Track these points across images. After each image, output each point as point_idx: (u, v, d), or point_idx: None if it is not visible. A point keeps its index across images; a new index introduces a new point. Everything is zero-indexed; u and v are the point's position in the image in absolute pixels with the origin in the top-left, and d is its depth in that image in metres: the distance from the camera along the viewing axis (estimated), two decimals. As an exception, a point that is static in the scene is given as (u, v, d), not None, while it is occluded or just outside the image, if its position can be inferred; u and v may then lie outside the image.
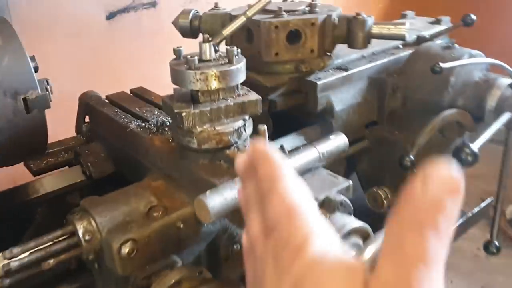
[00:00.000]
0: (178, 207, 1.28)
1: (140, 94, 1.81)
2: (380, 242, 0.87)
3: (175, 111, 1.24)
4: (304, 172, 1.18)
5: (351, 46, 1.68)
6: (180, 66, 1.24)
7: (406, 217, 0.49)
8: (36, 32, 2.29)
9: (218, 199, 1.03)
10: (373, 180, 1.94)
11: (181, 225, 1.25)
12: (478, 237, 2.15)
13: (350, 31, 1.65)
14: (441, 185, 0.47)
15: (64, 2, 2.36)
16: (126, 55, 2.67)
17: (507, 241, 3.45)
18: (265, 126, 1.15)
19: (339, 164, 1.83)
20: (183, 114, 1.23)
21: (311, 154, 1.19)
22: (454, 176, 0.47)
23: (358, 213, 1.22)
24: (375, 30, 1.64)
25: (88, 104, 1.79)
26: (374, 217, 1.90)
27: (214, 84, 1.21)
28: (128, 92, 1.88)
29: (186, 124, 1.24)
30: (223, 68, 1.21)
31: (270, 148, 0.60)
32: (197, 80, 1.20)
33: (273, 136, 1.61)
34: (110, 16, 2.58)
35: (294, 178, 0.59)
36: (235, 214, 1.12)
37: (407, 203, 0.50)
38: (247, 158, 0.63)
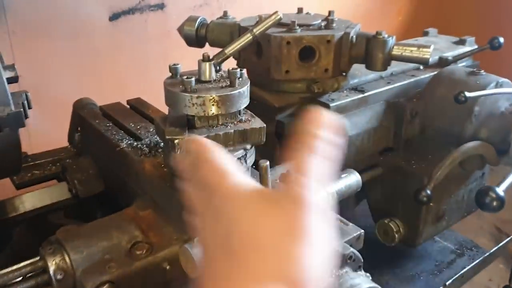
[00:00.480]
0: (165, 244, 1.13)
1: (137, 107, 1.66)
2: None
3: (167, 137, 1.09)
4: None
5: (369, 67, 1.53)
6: (176, 86, 1.09)
7: (294, 147, 0.63)
8: (33, 32, 2.16)
9: (207, 250, 0.87)
10: (385, 210, 1.79)
11: (168, 266, 1.11)
12: (490, 267, 2.01)
13: (368, 51, 1.49)
14: (313, 122, 0.65)
15: (63, 0, 2.22)
16: (129, 59, 2.53)
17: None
18: (267, 162, 1.00)
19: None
20: (176, 141, 1.08)
21: (319, 196, 1.04)
22: (323, 115, 0.66)
23: (366, 242, 1.06)
24: (396, 51, 1.48)
25: (79, 115, 1.65)
26: (380, 247, 1.76)
27: (213, 110, 1.07)
28: (125, 102, 1.74)
29: (178, 152, 1.09)
30: (223, 92, 1.06)
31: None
32: (193, 104, 1.05)
33: (279, 160, 1.46)
34: (114, 17, 2.44)
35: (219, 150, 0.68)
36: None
37: (295, 139, 0.64)
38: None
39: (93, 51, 2.39)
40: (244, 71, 1.14)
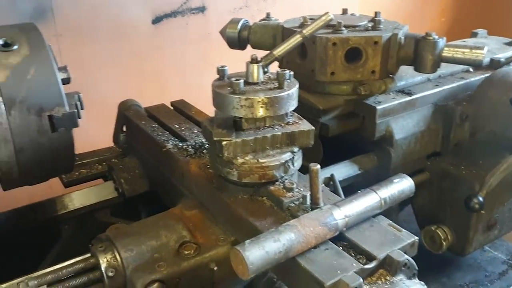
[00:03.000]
0: (212, 245, 1.14)
1: (181, 108, 1.68)
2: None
3: (215, 138, 1.09)
4: (362, 221, 1.00)
5: (417, 69, 1.48)
6: (224, 88, 1.09)
7: None
8: (79, 34, 2.21)
9: (259, 252, 0.87)
10: (431, 217, 1.74)
11: (215, 267, 1.10)
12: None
13: (417, 53, 1.45)
14: None
15: (109, 3, 2.27)
16: (171, 61, 2.56)
17: None
18: (318, 166, 0.98)
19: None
20: (224, 143, 1.08)
21: (370, 200, 1.01)
22: None
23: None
24: (447, 53, 1.44)
25: (126, 116, 1.67)
26: (426, 254, 1.71)
27: (261, 112, 1.06)
28: (169, 103, 1.76)
29: (226, 154, 1.09)
30: (271, 94, 1.06)
31: None
32: (242, 106, 1.05)
33: (322, 162, 1.44)
34: (156, 20, 2.47)
35: None
36: (277, 266, 0.96)
37: None
38: None
39: (135, 53, 2.43)
40: (292, 73, 1.13)
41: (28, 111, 1.04)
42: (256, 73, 1.09)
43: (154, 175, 1.56)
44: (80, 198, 1.57)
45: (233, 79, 1.07)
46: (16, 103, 1.04)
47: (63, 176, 1.62)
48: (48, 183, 1.82)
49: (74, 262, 1.11)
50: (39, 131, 1.06)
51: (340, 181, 1.47)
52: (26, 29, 1.13)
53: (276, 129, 1.12)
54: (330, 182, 1.44)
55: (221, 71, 1.14)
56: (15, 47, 1.07)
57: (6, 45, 1.07)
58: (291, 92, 1.08)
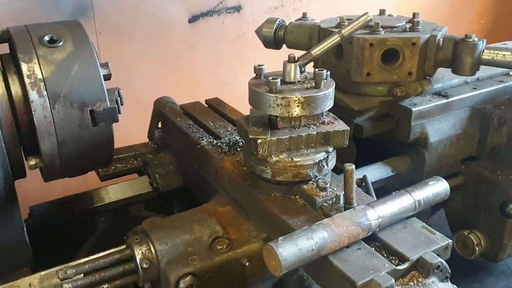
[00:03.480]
0: (245, 241, 1.15)
1: (215, 106, 1.70)
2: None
3: (250, 136, 1.10)
4: (395, 222, 1.00)
5: (456, 72, 1.46)
6: (260, 87, 1.10)
7: None
8: (117, 32, 2.26)
9: (292, 249, 0.88)
10: (465, 222, 1.71)
11: (247, 263, 1.12)
12: None
13: (456, 55, 1.43)
14: None
15: (147, 3, 2.31)
16: (206, 60, 2.59)
17: None
18: (353, 166, 0.99)
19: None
20: (259, 141, 1.09)
21: (404, 201, 1.01)
22: None
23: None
24: (487, 55, 1.41)
25: (161, 113, 1.71)
26: (457, 259, 1.68)
27: (297, 111, 1.07)
28: (203, 101, 1.78)
29: (261, 152, 1.10)
30: (308, 94, 1.06)
31: None
32: (278, 105, 1.06)
33: (355, 163, 1.44)
34: (193, 19, 2.50)
35: None
36: (308, 264, 0.97)
37: None
38: None
39: (172, 52, 2.47)
40: (329, 72, 1.14)
41: (71, 106, 1.08)
42: (293, 72, 1.10)
43: (188, 171, 1.59)
44: (115, 191, 1.61)
45: (270, 78, 1.08)
46: (60, 97, 1.08)
47: (100, 169, 1.67)
48: (83, 176, 1.89)
49: (110, 253, 1.14)
50: (81, 125, 1.10)
51: (372, 183, 1.46)
52: (70, 26, 1.17)
53: (311, 129, 1.12)
54: (362, 183, 1.43)
55: (258, 70, 1.15)
56: (61, 43, 1.11)
57: (52, 41, 1.11)
58: (328, 92, 1.09)
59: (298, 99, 1.05)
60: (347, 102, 1.52)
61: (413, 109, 1.50)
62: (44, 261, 1.28)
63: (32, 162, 1.11)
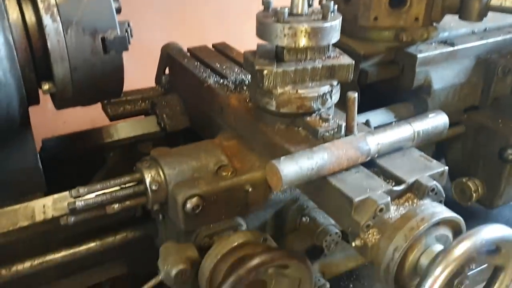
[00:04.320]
0: (248, 170, 1.20)
1: (222, 50, 1.73)
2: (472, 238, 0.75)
3: (256, 67, 1.13)
4: (394, 149, 1.04)
5: (463, 17, 1.47)
6: (268, 18, 1.12)
7: None
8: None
9: (293, 167, 0.92)
10: (464, 170, 1.75)
11: (250, 189, 1.17)
12: None
13: (464, 1, 1.44)
14: None
15: None
16: (213, 8, 2.59)
17: None
18: (356, 94, 1.02)
19: (427, 148, 1.65)
20: (265, 72, 1.12)
21: (404, 131, 1.04)
22: None
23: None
24: (495, 1, 1.42)
25: (169, 55, 1.74)
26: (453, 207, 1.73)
27: (303, 42, 1.09)
28: (210, 46, 1.81)
29: (266, 83, 1.13)
30: (315, 25, 1.09)
31: None
32: (285, 35, 1.09)
33: (358, 109, 1.47)
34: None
35: None
36: (308, 186, 1.02)
37: None
38: None
39: (179, 1, 2.47)
40: (337, 6, 1.16)
41: (83, 32, 1.11)
42: (301, 4, 1.12)
43: (194, 111, 1.63)
44: (124, 129, 1.66)
45: (278, 8, 1.10)
46: (73, 23, 1.11)
47: (109, 109, 1.71)
48: (91, 120, 1.93)
49: (121, 176, 1.19)
50: (92, 51, 1.13)
51: (375, 128, 1.50)
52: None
53: (317, 62, 1.15)
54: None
55: (266, 3, 1.17)
56: (74, -29, 1.13)
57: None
58: (334, 24, 1.11)
59: (305, 29, 1.08)
60: (353, 46, 1.54)
61: (418, 56, 1.51)
62: (56, 192, 1.34)
63: (46, 87, 1.15)
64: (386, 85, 1.62)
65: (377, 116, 1.59)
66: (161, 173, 1.15)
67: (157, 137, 1.68)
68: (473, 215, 1.82)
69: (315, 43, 1.11)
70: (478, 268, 1.17)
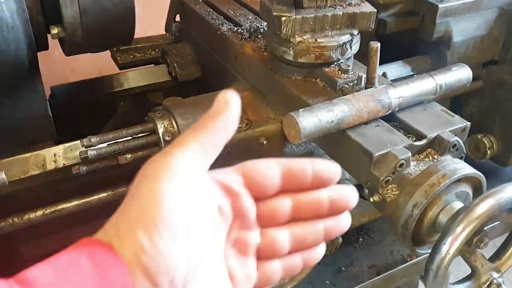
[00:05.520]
0: (263, 122, 1.17)
1: (236, -4, 1.66)
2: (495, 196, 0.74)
3: (274, 14, 1.09)
4: (415, 103, 1.01)
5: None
6: (288, -39, 1.07)
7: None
8: None
9: (312, 119, 0.90)
10: (480, 126, 1.71)
11: (265, 141, 1.15)
12: None
13: None
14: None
15: None
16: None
17: None
18: (378, 44, 0.98)
19: (442, 103, 1.62)
20: (283, 18, 1.07)
21: (426, 84, 1.01)
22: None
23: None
24: None
25: (180, 1, 1.67)
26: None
27: (324, -14, 1.04)
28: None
29: (284, 30, 1.09)
30: (337, -32, 1.03)
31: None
32: (305, -22, 1.03)
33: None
34: None
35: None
36: (325, 139, 0.99)
37: None
38: None
39: None
40: (359, -49, 1.10)
41: (94, -27, 1.06)
42: None
43: (206, 60, 1.58)
44: (134, 77, 1.62)
45: (299, -49, 1.04)
46: (81, -37, 1.06)
47: (118, 57, 1.67)
48: (99, 69, 1.87)
49: (133, 127, 1.17)
50: (103, -7, 1.08)
51: (392, 81, 1.46)
52: None
53: (337, 9, 1.10)
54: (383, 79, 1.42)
55: None
56: None
57: None
58: (357, -32, 1.05)
59: (326, -28, 1.02)
60: (372, -5, 1.47)
61: (440, 6, 1.45)
62: (66, 141, 1.32)
63: (55, 31, 1.11)
64: (404, 37, 1.57)
65: (394, 69, 1.54)
66: (174, 123, 1.12)
67: (167, 86, 1.65)
68: (486, 172, 1.80)
69: (337, -12, 1.05)
70: (492, 224, 1.17)
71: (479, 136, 1.68)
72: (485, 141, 1.66)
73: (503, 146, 1.64)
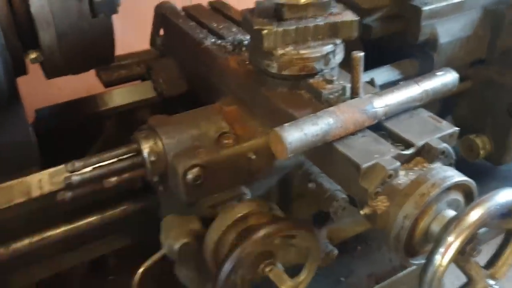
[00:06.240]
0: (251, 136, 1.15)
1: (219, 8, 1.64)
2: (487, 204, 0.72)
3: (255, 27, 1.07)
4: (402, 111, 0.99)
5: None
6: (267, -27, 1.05)
7: None
8: None
9: (297, 134, 0.88)
10: (471, 126, 1.70)
11: (253, 156, 1.13)
12: None
13: None
14: None
15: None
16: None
17: None
18: (362, 54, 0.96)
19: (432, 105, 1.60)
20: (264, 32, 1.06)
21: (412, 91, 0.99)
22: None
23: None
24: None
25: (163, 16, 1.65)
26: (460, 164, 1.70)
27: (305, -3, 1.02)
28: (206, 5, 1.72)
29: (266, 44, 1.07)
30: (316, -21, 1.01)
31: None
32: (285, -10, 1.02)
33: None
34: None
35: None
36: (313, 151, 0.97)
37: None
38: None
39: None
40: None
41: (68, -6, 1.04)
42: (300, -43, 1.05)
43: (192, 75, 1.56)
44: (120, 96, 1.61)
45: (276, -37, 1.03)
46: (57, -14, 1.04)
47: (103, 76, 1.65)
48: (86, 88, 1.85)
49: (117, 148, 1.15)
50: (80, 15, 1.06)
51: (380, 86, 1.44)
52: None
53: (319, 20, 1.09)
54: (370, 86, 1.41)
55: (263, -42, 1.10)
56: None
57: None
58: (336, -22, 1.04)
59: (306, -16, 1.01)
60: (356, 0, 1.47)
61: (424, 8, 1.45)
62: (53, 165, 1.30)
63: (33, 56, 1.10)
64: (390, 41, 1.56)
65: (381, 74, 1.53)
66: (159, 143, 1.10)
67: (154, 103, 1.63)
68: (480, 172, 1.79)
69: (317, -1, 1.04)
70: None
71: (471, 137, 1.67)
72: (478, 142, 1.65)
73: (496, 146, 1.63)
